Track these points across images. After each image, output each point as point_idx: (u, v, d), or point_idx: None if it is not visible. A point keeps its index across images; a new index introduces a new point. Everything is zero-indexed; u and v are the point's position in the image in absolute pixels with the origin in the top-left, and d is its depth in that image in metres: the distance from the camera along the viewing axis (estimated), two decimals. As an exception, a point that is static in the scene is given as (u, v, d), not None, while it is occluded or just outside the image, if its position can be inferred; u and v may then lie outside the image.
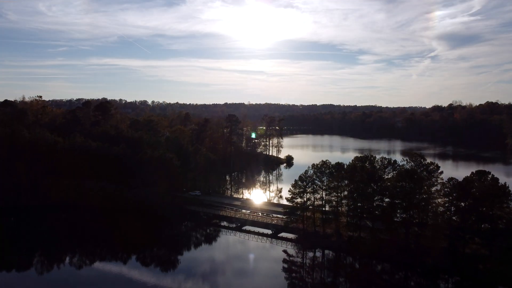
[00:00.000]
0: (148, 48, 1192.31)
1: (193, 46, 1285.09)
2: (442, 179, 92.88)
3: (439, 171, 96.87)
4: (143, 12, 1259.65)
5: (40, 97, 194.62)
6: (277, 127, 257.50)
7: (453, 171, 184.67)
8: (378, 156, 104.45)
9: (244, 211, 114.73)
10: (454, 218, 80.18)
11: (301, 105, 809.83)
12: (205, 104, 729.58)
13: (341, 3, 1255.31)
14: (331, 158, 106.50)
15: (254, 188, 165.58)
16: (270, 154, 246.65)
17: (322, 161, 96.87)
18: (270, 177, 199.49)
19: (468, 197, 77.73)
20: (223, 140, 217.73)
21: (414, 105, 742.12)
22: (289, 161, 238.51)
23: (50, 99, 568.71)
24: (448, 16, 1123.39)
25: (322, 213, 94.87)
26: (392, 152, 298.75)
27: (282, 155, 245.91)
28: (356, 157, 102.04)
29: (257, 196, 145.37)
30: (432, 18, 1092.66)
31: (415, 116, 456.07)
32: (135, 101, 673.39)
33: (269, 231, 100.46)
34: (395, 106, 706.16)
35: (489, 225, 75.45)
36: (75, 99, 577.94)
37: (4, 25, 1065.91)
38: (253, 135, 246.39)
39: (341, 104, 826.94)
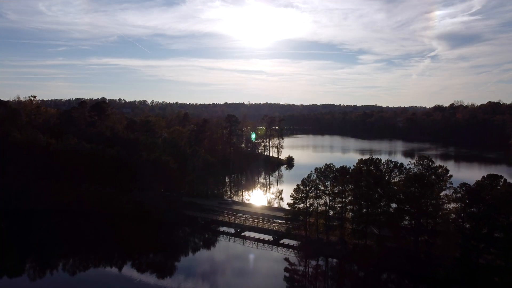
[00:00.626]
0: (148, 48, 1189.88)
1: (193, 46, 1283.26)
2: (451, 183, 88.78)
3: (448, 174, 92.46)
4: (143, 11, 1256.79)
5: (35, 97, 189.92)
6: (277, 127, 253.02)
7: (458, 172, 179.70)
8: (383, 159, 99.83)
9: (243, 215, 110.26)
10: (466, 225, 75.45)
11: (301, 105, 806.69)
12: (205, 104, 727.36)
13: (341, 3, 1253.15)
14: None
15: (254, 191, 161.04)
16: (271, 155, 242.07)
17: (326, 164, 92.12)
18: (271, 179, 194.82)
19: (482, 204, 73.11)
20: (223, 141, 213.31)
21: (414, 105, 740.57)
22: (289, 162, 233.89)
23: (50, 98, 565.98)
24: (448, 15, 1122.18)
25: (326, 220, 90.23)
26: (393, 152, 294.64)
27: (282, 156, 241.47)
28: (361, 160, 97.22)
29: (257, 199, 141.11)
30: (432, 18, 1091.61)
31: (417, 116, 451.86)
32: (135, 100, 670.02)
33: (269, 237, 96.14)
34: (395, 106, 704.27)
35: (505, 234, 70.72)
36: (74, 99, 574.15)
37: (4, 24, 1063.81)
38: (253, 136, 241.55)
39: (341, 104, 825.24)
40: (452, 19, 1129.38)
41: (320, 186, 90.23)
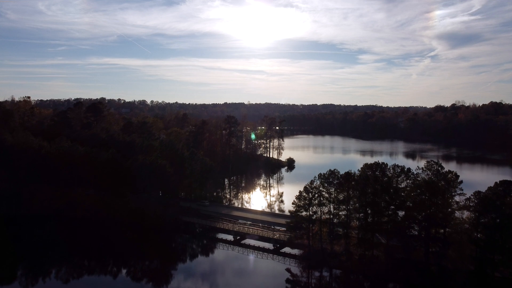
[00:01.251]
0: (148, 48, 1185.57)
1: (192, 46, 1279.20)
2: (462, 189, 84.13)
3: (458, 180, 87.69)
4: (143, 11, 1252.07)
5: (28, 97, 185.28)
6: (277, 127, 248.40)
7: (463, 175, 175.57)
8: (385, 160, 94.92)
9: (242, 221, 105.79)
10: (480, 236, 70.93)
11: (301, 105, 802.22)
12: (204, 104, 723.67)
13: (341, 3, 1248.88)
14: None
15: (253, 195, 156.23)
16: (271, 156, 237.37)
17: (330, 170, 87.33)
18: (271, 181, 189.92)
19: (497, 213, 68.65)
20: (222, 143, 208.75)
21: (414, 105, 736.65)
22: (290, 163, 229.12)
23: (49, 98, 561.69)
24: (448, 15, 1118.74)
25: (330, 228, 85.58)
26: (395, 154, 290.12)
27: (283, 158, 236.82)
28: (366, 165, 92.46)
29: (257, 203, 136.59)
30: (432, 18, 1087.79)
31: (418, 116, 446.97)
32: (134, 100, 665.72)
33: (270, 246, 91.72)
34: (396, 105, 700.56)
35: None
36: (73, 98, 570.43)
37: (4, 24, 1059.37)
38: (253, 137, 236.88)
39: (342, 104, 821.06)
40: (452, 18, 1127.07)
41: (324, 193, 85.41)
